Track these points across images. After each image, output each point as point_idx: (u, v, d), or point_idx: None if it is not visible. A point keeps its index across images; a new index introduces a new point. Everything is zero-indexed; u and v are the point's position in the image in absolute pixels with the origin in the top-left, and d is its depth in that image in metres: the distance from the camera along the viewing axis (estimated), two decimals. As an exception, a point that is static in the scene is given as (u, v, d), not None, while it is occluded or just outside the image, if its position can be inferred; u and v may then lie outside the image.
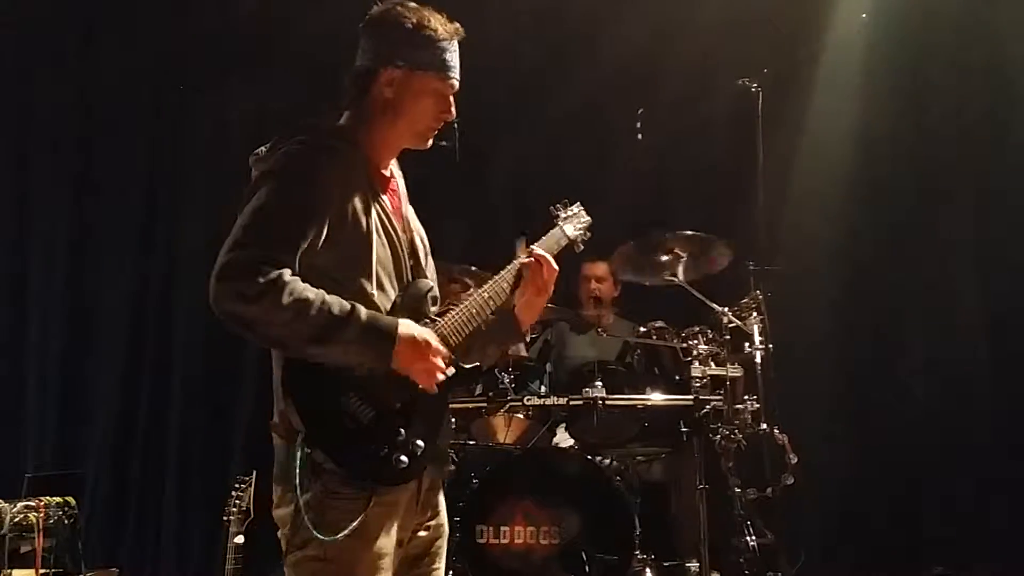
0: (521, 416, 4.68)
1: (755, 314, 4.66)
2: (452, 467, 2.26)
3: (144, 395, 6.13)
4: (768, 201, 4.96)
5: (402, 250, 2.30)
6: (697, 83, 5.64)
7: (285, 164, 2.17)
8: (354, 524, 2.11)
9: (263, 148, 2.28)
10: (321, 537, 2.09)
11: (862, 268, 5.80)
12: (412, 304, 2.28)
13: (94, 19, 6.35)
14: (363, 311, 2.11)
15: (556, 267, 2.51)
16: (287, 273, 2.05)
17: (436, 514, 2.38)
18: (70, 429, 6.13)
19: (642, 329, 4.74)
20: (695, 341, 4.54)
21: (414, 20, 2.31)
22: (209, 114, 6.20)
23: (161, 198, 6.33)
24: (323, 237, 2.14)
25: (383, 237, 2.25)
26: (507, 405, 4.52)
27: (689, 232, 4.70)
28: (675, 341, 4.60)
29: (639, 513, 4.34)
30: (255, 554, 3.95)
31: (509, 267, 2.47)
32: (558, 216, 2.71)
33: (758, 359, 4.57)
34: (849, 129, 5.73)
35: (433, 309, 2.36)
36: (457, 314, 2.35)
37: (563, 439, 4.84)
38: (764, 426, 4.50)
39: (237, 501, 3.91)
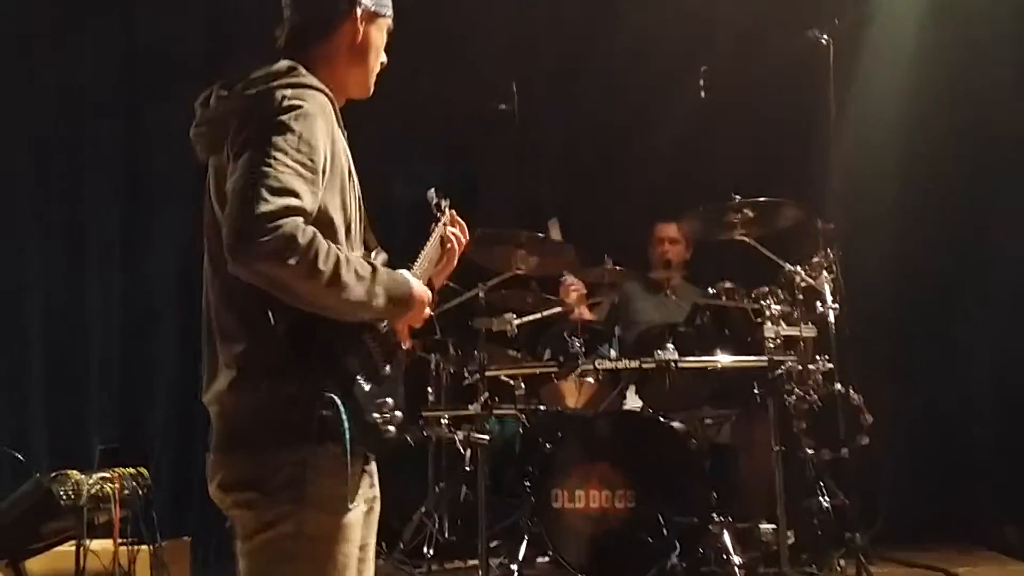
0: (591, 380, 4.65)
1: (826, 273, 4.58)
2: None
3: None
4: (838, 158, 4.84)
5: (361, 211, 2.25)
6: (762, 37, 5.52)
7: (290, 108, 2.02)
8: (360, 495, 2.05)
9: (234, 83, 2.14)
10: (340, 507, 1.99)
11: (927, 231, 5.69)
12: None
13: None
14: (381, 268, 2.08)
15: (467, 236, 2.56)
16: (317, 233, 1.95)
17: (373, 485, 2.24)
18: (133, 400, 6.17)
19: (711, 291, 4.68)
20: (767, 301, 4.47)
21: None
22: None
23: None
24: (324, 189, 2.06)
25: (354, 196, 2.20)
26: (578, 369, 4.48)
27: (761, 199, 4.61)
28: (745, 302, 4.54)
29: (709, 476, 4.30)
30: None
31: (433, 235, 2.50)
32: (438, 204, 2.65)
33: (831, 318, 4.49)
34: (915, 86, 5.59)
35: None
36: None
37: (633, 402, 4.80)
38: (838, 386, 4.43)
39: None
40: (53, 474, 3.93)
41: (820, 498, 4.45)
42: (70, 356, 6.20)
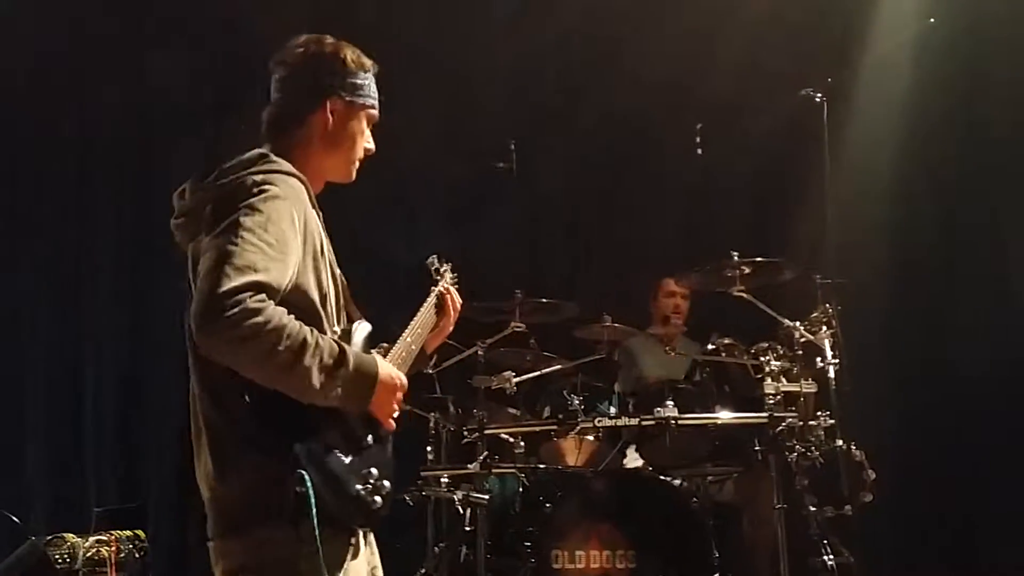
0: (591, 438, 4.63)
1: (826, 328, 4.58)
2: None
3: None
4: (835, 213, 4.87)
5: (339, 288, 2.29)
6: (756, 95, 5.59)
7: (257, 192, 2.08)
8: (350, 567, 2.07)
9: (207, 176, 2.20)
10: None
11: (925, 278, 5.69)
12: (355, 346, 2.21)
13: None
14: (351, 353, 2.07)
15: (460, 301, 2.67)
16: (281, 311, 1.98)
17: (373, 553, 2.30)
18: (130, 463, 6.12)
19: (710, 346, 4.68)
20: (766, 357, 4.47)
21: (351, 53, 2.35)
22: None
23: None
24: (296, 270, 2.10)
25: (330, 276, 2.23)
26: (578, 427, 4.46)
27: (759, 259, 4.64)
28: (745, 358, 4.54)
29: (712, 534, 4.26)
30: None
31: (429, 298, 2.60)
32: (437, 269, 2.79)
33: (831, 374, 4.48)
34: (911, 137, 5.64)
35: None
36: (399, 350, 2.37)
37: (633, 460, 4.77)
38: (840, 442, 4.40)
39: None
40: (49, 537, 3.91)
41: (824, 557, 4.39)
42: (67, 418, 6.17)
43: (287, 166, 2.20)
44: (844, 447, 4.38)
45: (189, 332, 2.07)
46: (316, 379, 1.99)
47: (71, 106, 6.29)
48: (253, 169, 2.15)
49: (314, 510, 1.97)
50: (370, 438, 2.16)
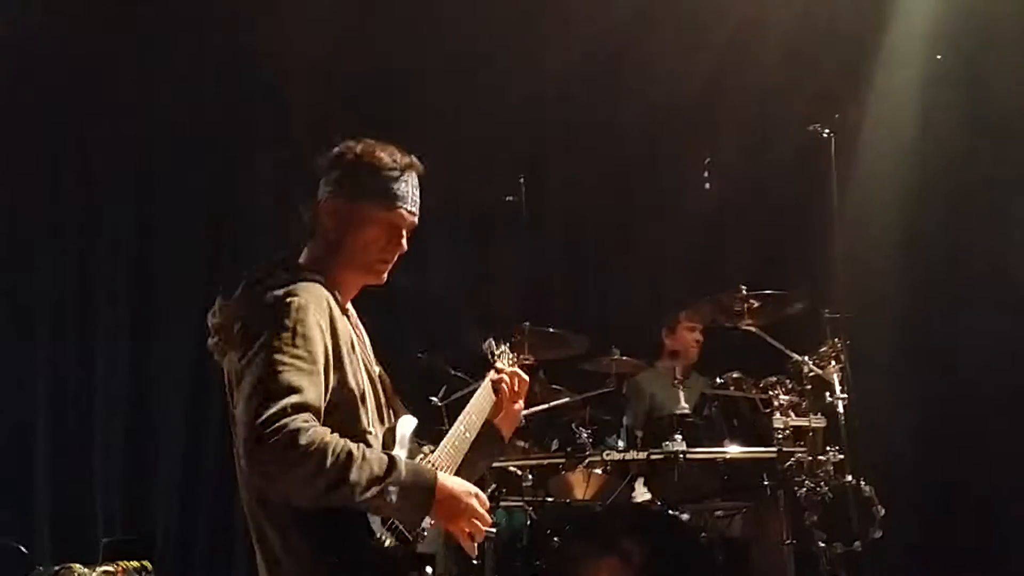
0: (599, 471, 4.61)
1: (834, 362, 4.57)
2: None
3: (210, 456, 6.11)
4: (843, 247, 4.88)
5: (377, 386, 2.28)
6: (765, 130, 5.62)
7: (282, 307, 2.08)
8: None
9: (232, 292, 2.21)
10: None
11: (934, 313, 5.68)
12: (402, 441, 2.22)
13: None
14: (402, 463, 2.05)
15: (526, 377, 2.59)
16: (323, 431, 1.98)
17: None
18: (138, 492, 6.11)
19: (719, 380, 4.67)
20: (775, 391, 4.46)
21: (358, 151, 2.27)
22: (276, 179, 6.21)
23: (225, 258, 6.33)
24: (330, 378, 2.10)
25: (365, 374, 2.22)
26: (586, 461, 4.45)
27: (768, 292, 4.67)
28: (753, 392, 4.53)
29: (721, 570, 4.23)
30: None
31: (483, 384, 2.52)
32: (494, 353, 2.67)
33: (840, 409, 4.48)
34: (919, 172, 5.65)
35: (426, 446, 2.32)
36: (448, 443, 2.31)
37: (642, 494, 4.75)
38: (849, 478, 4.38)
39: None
40: (56, 567, 3.90)
41: (835, 593, 4.37)
42: (75, 448, 6.16)
43: (305, 273, 2.20)
44: (853, 482, 4.36)
45: (235, 446, 2.08)
46: (366, 493, 1.98)
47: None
48: (272, 282, 2.15)
49: None
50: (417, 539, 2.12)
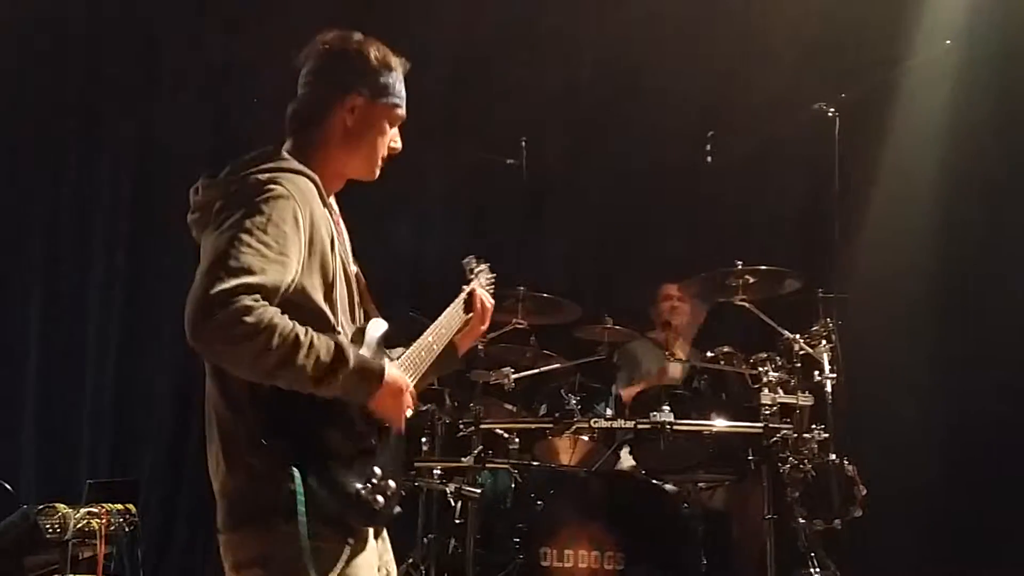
0: (586, 438, 4.64)
1: (825, 342, 4.59)
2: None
3: (200, 401, 6.11)
4: (843, 228, 4.88)
5: (352, 284, 2.28)
6: (771, 109, 5.58)
7: (261, 191, 2.07)
8: (341, 568, 2.06)
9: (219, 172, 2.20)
10: None
11: (941, 297, 5.69)
12: (370, 343, 2.23)
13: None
14: (351, 352, 2.06)
15: (492, 301, 2.67)
16: (273, 311, 1.97)
17: (386, 550, 2.32)
18: (126, 434, 6.14)
19: (709, 354, 4.69)
20: (764, 368, 4.48)
21: (375, 51, 2.31)
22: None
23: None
24: (300, 270, 2.09)
25: (341, 271, 2.22)
26: (573, 427, 4.47)
27: (763, 267, 4.67)
28: (743, 367, 4.55)
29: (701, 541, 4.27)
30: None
31: (456, 300, 2.57)
32: (472, 269, 2.78)
33: (828, 388, 4.51)
34: (929, 157, 5.63)
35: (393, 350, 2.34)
36: (415, 352, 2.35)
37: (627, 462, 4.78)
38: (833, 456, 4.42)
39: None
40: (40, 506, 3.91)
41: (811, 569, 4.41)
42: (64, 388, 6.18)
43: (296, 164, 2.19)
44: (837, 461, 4.40)
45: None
46: (310, 378, 1.99)
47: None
48: (261, 167, 2.14)
49: (302, 507, 1.97)
50: (374, 439, 2.15)
